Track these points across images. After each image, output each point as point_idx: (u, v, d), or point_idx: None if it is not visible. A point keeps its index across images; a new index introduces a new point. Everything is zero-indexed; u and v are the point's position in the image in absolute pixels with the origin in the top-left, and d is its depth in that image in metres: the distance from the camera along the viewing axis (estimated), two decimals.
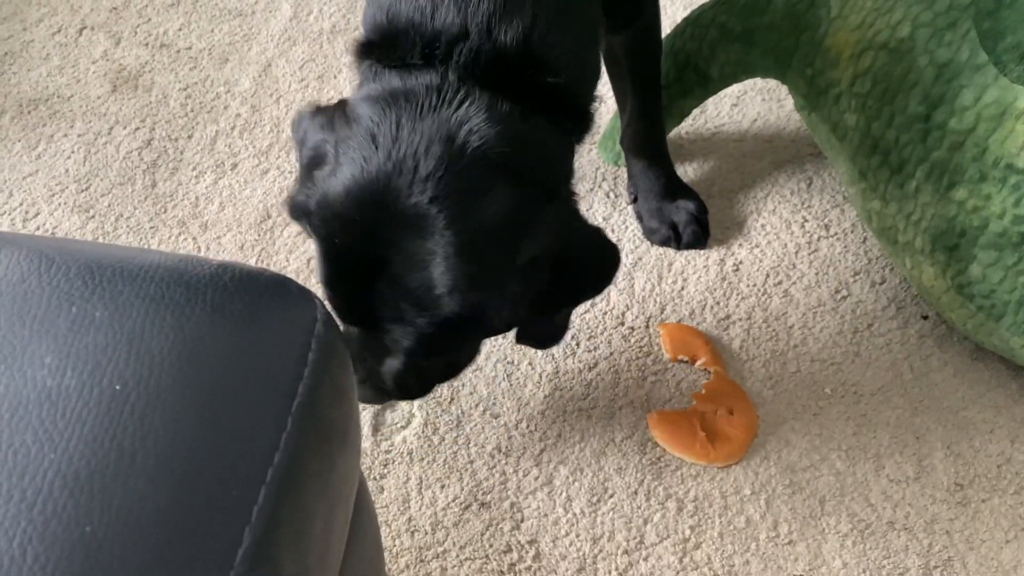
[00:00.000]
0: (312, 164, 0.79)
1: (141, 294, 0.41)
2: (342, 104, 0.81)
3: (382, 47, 0.81)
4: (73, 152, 1.37)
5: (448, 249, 0.73)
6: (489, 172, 0.74)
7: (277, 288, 0.45)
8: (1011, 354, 1.01)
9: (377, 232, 0.74)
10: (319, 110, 0.82)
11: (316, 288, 1.17)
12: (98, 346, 0.39)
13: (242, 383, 0.41)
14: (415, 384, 0.88)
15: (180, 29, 1.55)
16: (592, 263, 0.84)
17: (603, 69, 1.19)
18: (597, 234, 0.84)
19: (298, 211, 0.79)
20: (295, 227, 1.25)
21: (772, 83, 1.41)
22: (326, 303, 0.79)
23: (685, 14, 1.27)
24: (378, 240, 0.74)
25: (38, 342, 0.38)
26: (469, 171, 0.74)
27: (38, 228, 1.27)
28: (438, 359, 0.86)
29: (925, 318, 1.14)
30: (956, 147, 0.93)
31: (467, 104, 0.75)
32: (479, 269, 0.74)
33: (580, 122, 0.85)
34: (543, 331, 0.90)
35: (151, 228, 1.27)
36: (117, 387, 0.37)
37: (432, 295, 0.74)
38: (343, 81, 1.44)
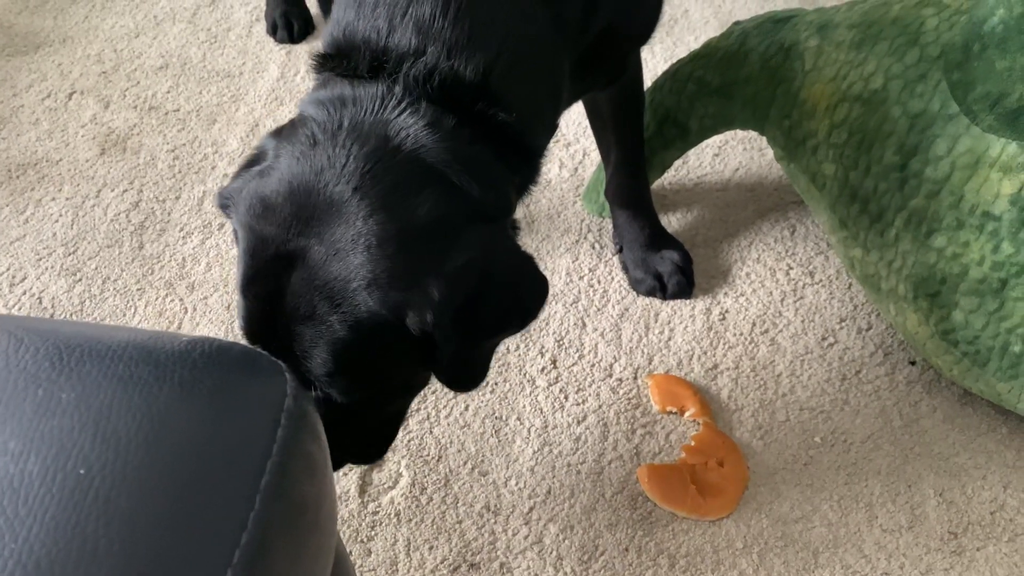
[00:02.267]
0: (249, 162, 0.79)
1: (109, 374, 0.41)
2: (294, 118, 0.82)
3: (336, 59, 0.82)
4: (61, 215, 1.37)
5: (370, 239, 0.70)
6: (422, 175, 0.73)
7: (246, 362, 0.45)
8: (998, 399, 1.01)
9: (300, 219, 0.71)
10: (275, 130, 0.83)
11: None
12: (63, 429, 0.38)
13: (210, 462, 0.40)
14: (353, 439, 0.81)
15: (168, 91, 1.57)
16: (520, 291, 0.78)
17: (586, 119, 1.21)
18: (529, 263, 0.79)
19: (225, 199, 0.78)
20: None
21: (753, 133, 1.43)
22: (237, 320, 0.76)
23: (664, 67, 1.30)
24: (300, 228, 0.71)
25: (2, 426, 0.38)
26: (400, 169, 0.72)
27: (24, 292, 1.27)
28: (361, 391, 0.76)
29: (913, 363, 1.14)
30: (933, 195, 0.94)
31: (409, 113, 0.75)
32: (401, 265, 0.70)
33: (526, 164, 0.83)
34: (462, 368, 0.80)
35: (138, 290, 1.27)
36: (81, 471, 0.37)
37: (348, 288, 0.70)
38: None
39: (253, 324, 0.75)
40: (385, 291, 0.70)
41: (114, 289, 1.27)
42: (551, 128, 0.88)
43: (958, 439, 1.07)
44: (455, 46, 0.77)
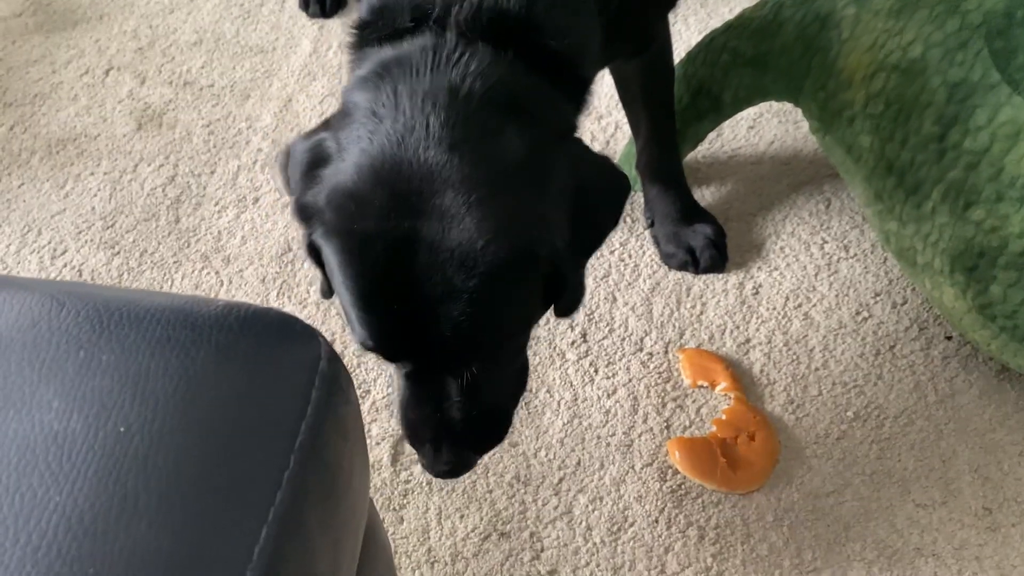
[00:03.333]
0: (313, 164, 0.73)
1: (147, 337, 0.42)
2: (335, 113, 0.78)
3: (375, 23, 0.77)
4: (99, 190, 1.40)
5: (479, 193, 0.67)
6: (499, 112, 0.71)
7: (282, 326, 0.46)
8: None
9: (400, 200, 0.67)
10: (309, 132, 0.79)
11: (335, 319, 1.19)
12: (104, 389, 0.40)
13: (245, 423, 0.41)
14: (490, 412, 0.79)
15: (203, 67, 1.59)
16: (610, 193, 0.79)
17: (615, 92, 1.20)
18: (608, 163, 0.80)
19: (306, 211, 0.72)
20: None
21: (788, 106, 1.41)
22: (362, 345, 0.71)
23: (698, 39, 1.28)
24: (403, 210, 0.67)
25: (46, 386, 0.39)
26: (480, 115, 0.70)
27: (65, 265, 1.30)
28: (508, 345, 0.76)
29: (949, 339, 1.13)
30: (972, 167, 0.92)
31: (468, 56, 0.72)
32: (515, 205, 0.68)
33: (579, 92, 0.82)
34: (577, 289, 0.80)
35: (175, 263, 1.29)
36: (121, 429, 0.38)
37: (477, 248, 0.66)
38: None
39: (386, 333, 0.71)
40: (511, 236, 0.68)
41: (151, 262, 1.29)
42: (595, 64, 0.86)
43: (994, 415, 1.06)
44: None
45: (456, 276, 0.67)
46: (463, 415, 0.76)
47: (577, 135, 0.81)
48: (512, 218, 0.68)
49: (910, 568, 0.95)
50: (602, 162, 0.80)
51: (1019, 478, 1.01)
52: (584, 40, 0.82)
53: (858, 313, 1.16)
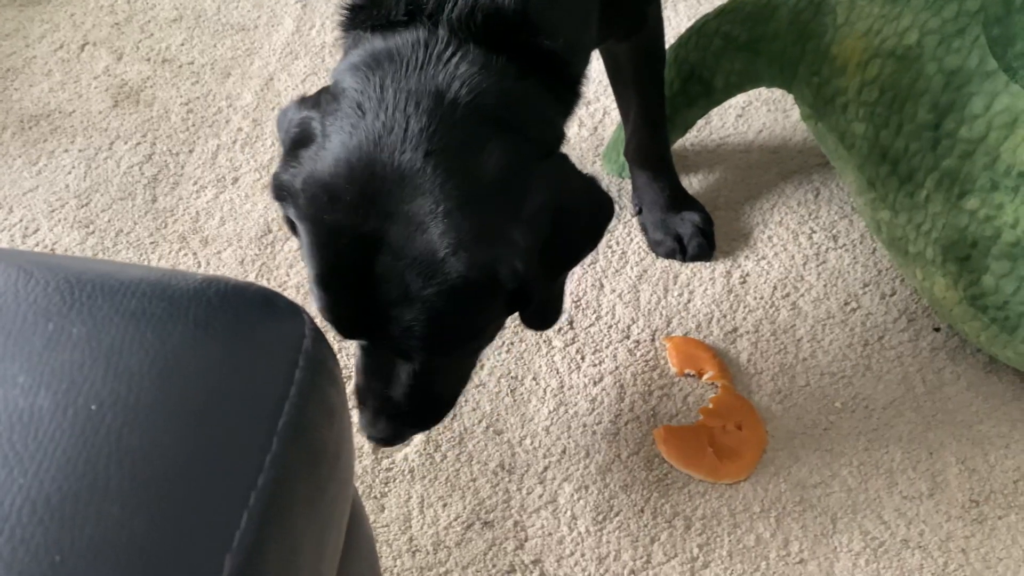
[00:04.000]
0: (297, 142, 0.73)
1: (121, 309, 0.40)
2: (325, 89, 0.76)
3: (366, 9, 0.76)
4: (74, 167, 1.36)
5: (448, 204, 0.67)
6: (483, 124, 0.70)
7: (264, 303, 0.43)
8: None
9: (370, 200, 0.67)
10: (304, 98, 0.78)
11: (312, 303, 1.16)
12: (74, 364, 0.37)
13: (225, 402, 0.39)
14: (432, 399, 0.82)
15: (182, 44, 1.55)
16: (591, 214, 0.79)
17: (606, 77, 1.18)
18: (592, 184, 0.79)
19: (282, 191, 0.72)
20: (295, 242, 1.24)
21: (778, 93, 1.39)
22: (321, 316, 0.74)
23: (689, 24, 1.26)
24: (372, 209, 0.67)
25: (12, 360, 0.37)
26: (463, 124, 0.69)
27: (37, 244, 1.26)
28: (458, 349, 0.78)
29: (937, 330, 1.12)
30: (967, 156, 0.91)
31: (458, 58, 0.71)
32: (483, 222, 0.68)
33: (570, 91, 0.81)
34: (549, 304, 0.82)
35: (151, 243, 1.25)
36: (93, 407, 0.36)
37: (437, 258, 0.67)
38: None
39: (341, 316, 0.73)
40: (473, 252, 0.68)
41: (127, 242, 1.26)
42: (589, 50, 0.85)
43: (982, 407, 1.05)
44: None
45: (413, 283, 0.68)
46: (406, 395, 0.79)
47: (564, 149, 0.79)
48: (477, 235, 0.68)
49: (896, 560, 0.94)
50: (585, 183, 0.78)
51: (1005, 470, 1.00)
52: (580, 35, 0.81)
53: (846, 303, 1.15)
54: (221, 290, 0.43)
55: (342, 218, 0.69)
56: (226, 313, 0.42)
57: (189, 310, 0.41)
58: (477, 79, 0.70)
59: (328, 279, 0.71)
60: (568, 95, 0.81)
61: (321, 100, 0.74)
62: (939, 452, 1.02)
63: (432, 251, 0.67)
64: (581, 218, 0.77)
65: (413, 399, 0.79)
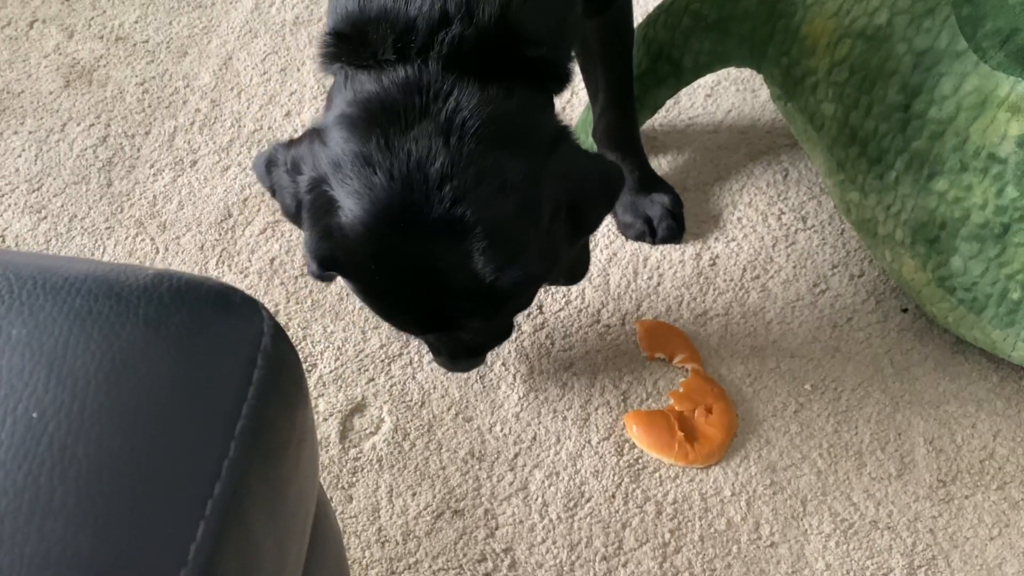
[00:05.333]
0: (319, 212, 0.75)
1: (65, 309, 0.37)
2: (315, 133, 0.77)
3: (352, 42, 0.76)
4: (24, 150, 1.31)
5: (483, 242, 0.73)
6: (493, 152, 0.73)
7: (219, 299, 0.41)
8: (992, 347, 1.00)
9: (412, 256, 0.74)
10: (289, 146, 0.79)
11: (278, 289, 1.14)
12: (13, 369, 0.35)
13: (178, 406, 0.37)
14: (501, 331, 0.94)
15: (136, 21, 1.50)
16: (601, 189, 0.85)
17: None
18: (598, 160, 0.87)
19: (328, 264, 0.77)
20: (257, 226, 1.21)
21: (746, 73, 1.38)
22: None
23: (658, 2, 1.24)
24: (416, 262, 0.75)
25: None
26: (476, 161, 0.72)
27: None
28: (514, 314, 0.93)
29: (905, 311, 1.12)
30: (936, 136, 0.90)
31: (455, 95, 0.73)
32: (515, 245, 0.75)
33: (561, 80, 0.84)
34: (570, 266, 0.93)
35: (107, 229, 1.21)
36: (34, 415, 0.33)
37: (484, 286, 0.75)
38: (306, 74, 1.40)
39: (411, 333, 0.93)
40: (513, 271, 0.75)
41: (81, 227, 1.22)
42: (573, 37, 0.87)
43: (949, 387, 1.06)
44: None
45: (468, 308, 0.79)
46: (476, 340, 0.92)
47: (562, 125, 0.82)
48: (512, 257, 0.75)
49: (866, 541, 0.95)
50: (592, 161, 0.85)
51: (972, 450, 1.01)
52: (563, 29, 0.83)
53: (815, 285, 1.15)
54: (174, 286, 0.40)
55: (393, 273, 0.76)
56: (179, 311, 0.39)
57: (139, 308, 0.39)
58: (476, 110, 0.73)
59: (394, 318, 0.84)
60: (560, 83, 0.83)
61: (317, 156, 0.75)
62: (907, 433, 1.02)
63: (479, 280, 0.75)
64: (595, 193, 0.83)
65: (483, 339, 0.92)
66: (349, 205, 0.73)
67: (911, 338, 1.10)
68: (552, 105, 0.84)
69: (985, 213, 0.89)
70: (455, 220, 0.72)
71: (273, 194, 0.82)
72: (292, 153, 0.78)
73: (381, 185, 0.72)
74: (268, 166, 0.81)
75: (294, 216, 0.79)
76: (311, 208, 0.76)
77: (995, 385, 1.06)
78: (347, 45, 0.77)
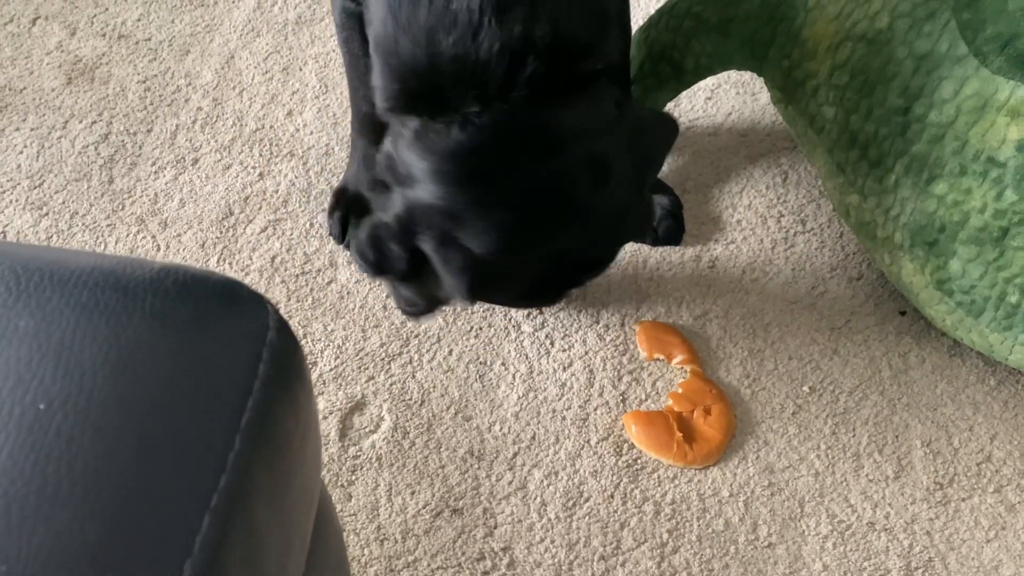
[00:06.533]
0: (451, 259, 0.82)
1: (71, 301, 0.37)
2: (404, 196, 0.82)
3: (428, 97, 0.78)
4: (25, 147, 1.31)
5: (601, 220, 0.85)
6: (589, 165, 0.81)
7: (225, 293, 0.41)
8: (990, 350, 1.00)
9: (544, 257, 0.85)
10: (379, 222, 0.85)
11: (279, 287, 1.14)
12: (21, 360, 0.35)
13: (184, 399, 0.37)
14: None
15: (139, 19, 1.50)
16: (662, 141, 0.93)
17: None
18: (654, 116, 0.94)
19: (477, 293, 0.87)
20: (258, 224, 1.21)
21: (747, 76, 1.39)
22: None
23: (659, 4, 1.25)
24: (548, 257, 0.85)
25: None
26: (578, 176, 0.81)
27: None
28: None
29: (903, 314, 1.13)
30: (936, 140, 0.91)
31: (542, 124, 0.78)
32: (621, 222, 0.88)
33: (624, 82, 0.90)
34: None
35: (108, 226, 1.22)
36: (41, 406, 0.34)
37: (607, 254, 0.91)
38: (308, 73, 1.40)
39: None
40: (618, 246, 0.92)
41: (83, 224, 1.22)
42: (628, 31, 0.93)
43: (946, 390, 1.06)
44: (529, 18, 0.75)
45: (595, 269, 0.93)
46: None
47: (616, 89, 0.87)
48: (624, 219, 0.88)
49: (863, 543, 0.95)
50: (651, 117, 0.93)
51: (969, 453, 1.01)
52: (620, 44, 0.88)
53: (814, 287, 1.16)
54: (180, 279, 0.41)
55: (530, 273, 0.88)
56: (185, 304, 0.40)
57: (145, 301, 0.39)
58: (564, 137, 0.79)
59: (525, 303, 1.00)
60: (624, 82, 0.90)
61: (421, 210, 0.81)
62: (904, 435, 1.03)
63: (597, 263, 0.91)
64: (659, 146, 0.92)
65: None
66: (481, 243, 0.80)
67: (909, 341, 1.10)
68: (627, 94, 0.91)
69: (984, 217, 0.89)
70: (577, 212, 0.81)
71: (378, 271, 0.87)
72: (394, 225, 0.83)
73: (503, 217, 0.80)
74: (375, 244, 0.85)
75: (406, 274, 0.86)
76: (443, 261, 0.83)
77: (992, 388, 1.06)
78: (422, 100, 0.78)
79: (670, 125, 0.93)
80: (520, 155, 0.79)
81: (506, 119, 0.77)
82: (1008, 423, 1.04)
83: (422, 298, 0.92)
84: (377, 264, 0.86)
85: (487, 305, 1.12)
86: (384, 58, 0.79)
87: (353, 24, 1.05)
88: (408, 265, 0.85)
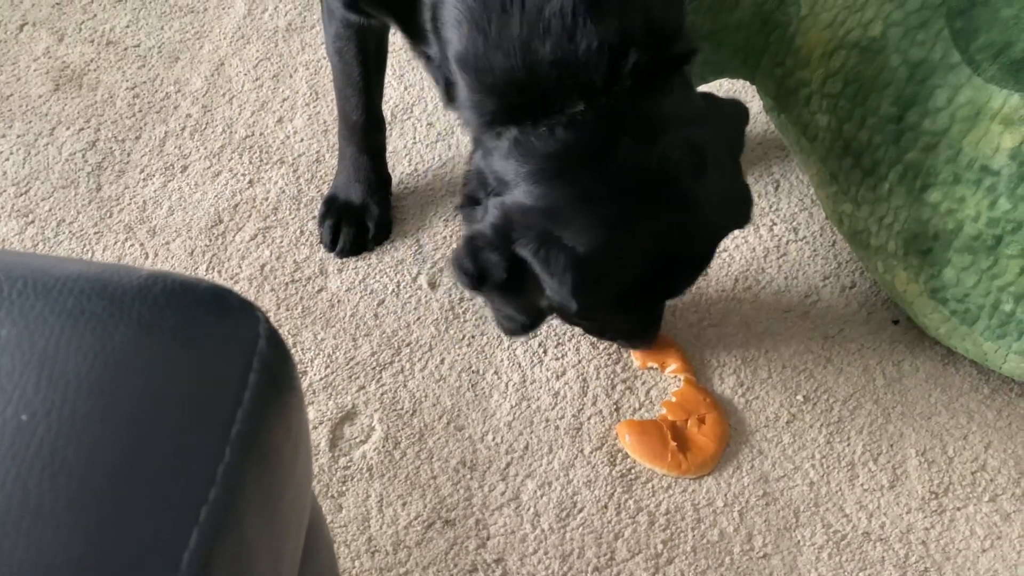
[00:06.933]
0: (553, 263, 0.79)
1: (56, 309, 0.36)
2: (500, 203, 0.81)
3: (530, 106, 0.78)
4: (12, 154, 1.30)
5: (708, 205, 0.84)
6: (693, 152, 0.81)
7: (215, 301, 0.40)
8: (984, 359, 1.00)
9: (654, 247, 0.83)
10: (475, 232, 0.82)
11: (268, 296, 1.13)
12: (3, 369, 0.34)
13: (172, 410, 0.36)
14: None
15: (128, 26, 1.49)
16: (741, 126, 0.95)
17: None
18: (730, 105, 0.93)
19: (584, 304, 0.83)
20: (247, 232, 1.20)
21: (739, 84, 1.38)
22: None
23: None
24: (657, 250, 0.83)
25: None
26: (679, 147, 0.80)
27: None
28: None
29: (896, 322, 1.13)
30: (930, 148, 0.91)
31: (643, 114, 0.78)
32: (726, 196, 0.87)
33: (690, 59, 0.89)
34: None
35: (96, 234, 1.20)
36: (24, 417, 0.33)
37: (713, 238, 0.90)
38: (299, 80, 1.39)
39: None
40: (727, 230, 0.93)
41: (70, 232, 1.20)
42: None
43: (940, 399, 1.06)
44: (625, 19, 0.76)
45: (702, 262, 0.91)
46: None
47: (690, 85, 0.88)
48: (727, 203, 0.89)
49: (859, 553, 0.94)
50: (730, 106, 0.93)
51: (964, 462, 1.01)
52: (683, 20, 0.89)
53: (807, 296, 1.15)
54: (168, 287, 0.40)
55: (639, 264, 0.84)
56: (173, 312, 0.39)
57: (132, 309, 0.38)
58: (666, 124, 0.79)
59: (634, 307, 0.92)
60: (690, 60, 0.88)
61: (520, 214, 0.79)
62: (899, 444, 1.02)
63: (710, 235, 0.89)
64: (738, 131, 0.94)
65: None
66: (586, 239, 0.78)
67: (903, 350, 1.10)
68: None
69: (978, 225, 0.89)
70: (681, 200, 0.81)
71: (478, 283, 0.83)
72: (490, 233, 0.81)
73: (609, 209, 0.78)
74: (472, 254, 0.82)
75: (506, 284, 0.82)
76: (544, 263, 0.79)
77: (986, 397, 1.06)
78: (525, 110, 0.78)
79: (742, 109, 0.93)
80: (624, 146, 0.77)
81: (612, 112, 0.77)
82: (1002, 432, 1.03)
83: (523, 312, 0.88)
84: (477, 275, 0.83)
85: (481, 314, 1.11)
86: (476, 76, 0.79)
87: (351, 35, 1.04)
88: (507, 274, 0.81)
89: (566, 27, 0.74)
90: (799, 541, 0.95)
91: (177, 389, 0.37)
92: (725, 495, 0.98)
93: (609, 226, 0.79)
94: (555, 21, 0.74)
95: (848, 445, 1.02)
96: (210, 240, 1.19)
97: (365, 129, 1.14)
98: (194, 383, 0.37)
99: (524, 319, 0.90)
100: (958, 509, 0.97)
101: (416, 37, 0.88)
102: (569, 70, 0.75)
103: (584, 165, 0.77)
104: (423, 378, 1.06)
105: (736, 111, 0.93)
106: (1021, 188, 0.86)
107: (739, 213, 0.90)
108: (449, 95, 0.86)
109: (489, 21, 0.76)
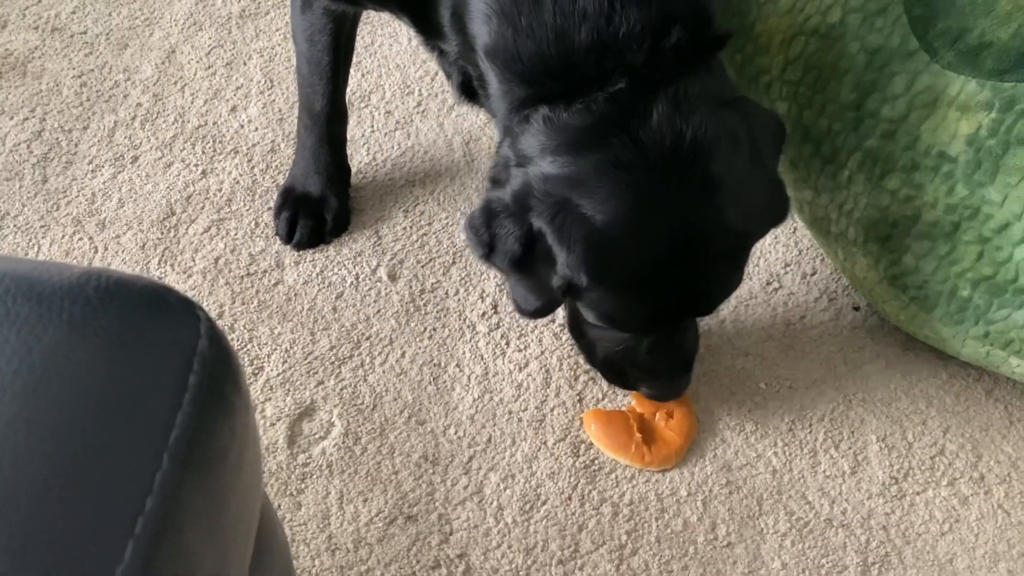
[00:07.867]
0: (567, 233, 0.77)
1: None
2: (523, 172, 0.78)
3: (565, 93, 0.76)
4: None
5: (735, 193, 0.79)
6: (723, 137, 0.78)
7: (152, 299, 0.38)
8: (942, 344, 1.01)
9: (675, 227, 0.78)
10: (493, 199, 0.80)
11: (223, 289, 1.10)
12: None
13: (105, 416, 0.34)
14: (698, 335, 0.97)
15: (74, 12, 1.44)
16: (775, 139, 0.89)
17: None
18: (763, 112, 0.87)
19: (596, 275, 0.79)
20: (201, 224, 1.17)
21: None
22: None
23: None
24: (678, 231, 0.78)
25: None
26: (711, 127, 0.77)
27: None
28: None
29: (857, 309, 1.13)
30: (888, 135, 0.91)
31: (678, 89, 0.76)
32: (756, 190, 0.82)
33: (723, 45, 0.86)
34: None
35: (42, 227, 1.16)
36: None
37: (738, 232, 0.82)
38: (253, 68, 1.36)
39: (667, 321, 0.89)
40: (752, 234, 0.85)
41: (14, 226, 1.16)
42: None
43: (900, 385, 1.07)
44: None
45: (725, 277, 0.85)
46: (691, 344, 0.94)
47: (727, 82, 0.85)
48: (756, 199, 0.82)
49: (821, 539, 0.95)
50: (762, 113, 0.87)
51: (923, 447, 1.02)
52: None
53: (768, 283, 1.15)
54: (102, 285, 0.38)
55: (659, 249, 0.78)
56: (107, 312, 0.37)
57: (63, 309, 0.36)
58: (697, 92, 0.77)
59: (656, 304, 0.84)
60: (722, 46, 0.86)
61: (542, 181, 0.77)
62: (860, 430, 1.03)
63: (734, 228, 0.80)
64: (775, 140, 0.87)
65: (693, 345, 0.94)
66: (607, 208, 0.75)
67: (863, 336, 1.11)
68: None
69: (936, 212, 0.89)
70: (710, 181, 0.76)
71: (490, 252, 0.81)
72: (509, 200, 0.79)
73: (635, 177, 0.75)
74: (488, 219, 0.80)
75: (518, 257, 0.80)
76: (559, 233, 0.77)
77: (944, 382, 1.07)
78: (560, 96, 0.77)
79: (783, 125, 0.89)
80: (661, 116, 0.75)
81: (652, 85, 0.75)
82: (960, 416, 1.04)
83: (535, 293, 0.85)
84: (489, 243, 0.81)
85: (442, 306, 1.10)
86: (506, 65, 0.78)
87: (326, 23, 1.02)
88: (521, 245, 0.79)
89: (603, 11, 0.74)
90: (762, 529, 0.95)
91: (110, 394, 0.35)
92: (689, 484, 0.98)
93: (635, 195, 0.75)
94: (591, 7, 0.74)
95: (810, 432, 1.03)
96: (162, 233, 1.16)
97: (328, 119, 1.11)
98: (129, 387, 0.35)
99: (537, 302, 0.86)
100: (917, 494, 0.98)
101: (428, 32, 0.86)
102: (609, 53, 0.75)
103: (617, 132, 0.75)
104: (383, 372, 1.04)
105: (774, 119, 0.89)
106: (978, 174, 0.86)
107: (775, 208, 0.84)
108: (467, 89, 0.85)
109: (519, 14, 0.75)
